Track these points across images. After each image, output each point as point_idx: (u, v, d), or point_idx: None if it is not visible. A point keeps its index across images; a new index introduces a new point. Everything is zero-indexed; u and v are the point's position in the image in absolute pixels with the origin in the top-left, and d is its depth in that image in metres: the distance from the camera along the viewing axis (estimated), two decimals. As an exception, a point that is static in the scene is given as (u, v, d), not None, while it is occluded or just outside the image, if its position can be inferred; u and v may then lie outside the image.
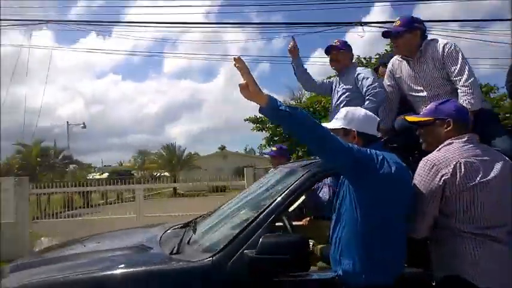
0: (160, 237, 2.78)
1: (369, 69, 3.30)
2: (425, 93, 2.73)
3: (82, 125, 28.63)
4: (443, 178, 1.83)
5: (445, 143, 1.95)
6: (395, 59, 2.95)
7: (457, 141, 1.92)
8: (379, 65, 3.75)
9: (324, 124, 2.23)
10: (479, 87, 2.65)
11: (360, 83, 3.11)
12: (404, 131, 2.51)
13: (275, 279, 2.05)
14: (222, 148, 41.69)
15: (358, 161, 1.75)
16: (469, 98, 2.46)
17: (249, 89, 1.65)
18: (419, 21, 2.77)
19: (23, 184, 7.83)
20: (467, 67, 2.56)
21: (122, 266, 2.14)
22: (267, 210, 2.21)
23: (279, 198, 2.24)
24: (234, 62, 1.67)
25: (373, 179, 1.76)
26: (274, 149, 4.35)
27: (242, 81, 1.67)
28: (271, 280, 2.05)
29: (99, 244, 2.78)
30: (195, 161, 33.83)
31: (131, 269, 2.13)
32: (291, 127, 1.73)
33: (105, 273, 2.10)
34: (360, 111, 2.09)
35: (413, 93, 2.81)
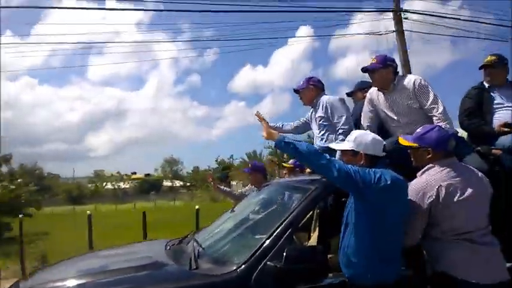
0: (167, 252, 2.75)
1: (335, 99, 3.42)
2: (399, 120, 3.06)
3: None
4: (429, 201, 2.12)
5: (427, 167, 2.24)
6: (374, 90, 3.24)
7: (437, 166, 2.21)
8: (356, 89, 4.06)
9: (336, 145, 2.46)
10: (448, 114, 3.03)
11: (329, 112, 3.33)
12: (393, 153, 2.79)
13: (298, 288, 2.16)
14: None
15: (358, 180, 2.00)
16: (443, 124, 2.81)
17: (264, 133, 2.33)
18: (392, 60, 3.13)
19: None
20: (438, 98, 2.94)
21: (151, 283, 2.11)
22: (285, 223, 2.30)
23: (296, 212, 2.35)
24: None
25: (371, 193, 2.00)
26: (249, 166, 4.46)
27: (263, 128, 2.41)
28: (294, 289, 2.16)
29: (109, 260, 2.66)
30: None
31: (165, 286, 2.11)
32: (299, 157, 2.17)
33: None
34: (368, 135, 2.31)
35: (389, 120, 3.13)
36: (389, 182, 2.02)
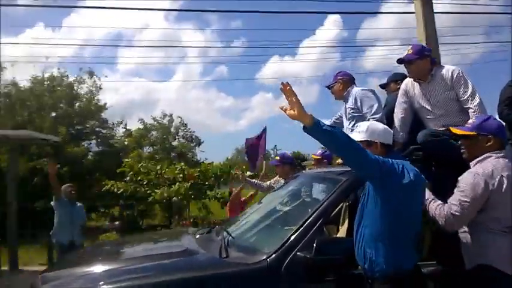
0: (197, 241, 2.78)
1: (365, 90, 3.38)
2: (435, 111, 2.97)
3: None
4: (490, 188, 2.05)
5: (484, 156, 2.16)
6: (409, 80, 3.14)
7: (495, 155, 2.14)
8: (389, 81, 3.97)
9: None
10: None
11: (359, 103, 3.30)
12: (427, 144, 2.71)
13: (328, 279, 2.13)
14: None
15: (384, 171, 1.92)
16: None
17: (295, 111, 1.82)
18: (429, 50, 3.03)
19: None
20: (475, 90, 2.83)
21: (182, 270, 2.14)
22: (315, 214, 2.28)
23: (326, 203, 2.32)
24: (281, 86, 1.85)
25: (395, 185, 1.93)
26: (277, 158, 4.42)
27: (286, 103, 1.85)
28: (324, 279, 2.13)
29: (142, 247, 2.72)
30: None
31: (195, 273, 2.12)
32: (331, 143, 1.91)
33: (172, 277, 2.08)
34: (379, 125, 2.29)
35: (425, 111, 3.04)
36: (411, 175, 1.96)
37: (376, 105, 3.21)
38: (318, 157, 4.31)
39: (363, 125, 2.28)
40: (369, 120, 3.16)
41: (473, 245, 2.15)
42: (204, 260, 2.37)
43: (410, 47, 3.08)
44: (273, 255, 2.17)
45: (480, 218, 2.11)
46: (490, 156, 2.15)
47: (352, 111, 3.35)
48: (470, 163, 2.21)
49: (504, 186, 2.04)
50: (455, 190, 2.14)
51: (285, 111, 1.88)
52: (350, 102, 3.36)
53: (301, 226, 2.25)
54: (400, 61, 3.06)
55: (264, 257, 2.17)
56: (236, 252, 2.35)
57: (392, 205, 1.95)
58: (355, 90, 3.38)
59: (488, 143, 2.18)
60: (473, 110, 2.77)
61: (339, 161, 3.82)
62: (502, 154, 2.15)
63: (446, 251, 2.34)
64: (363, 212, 2.08)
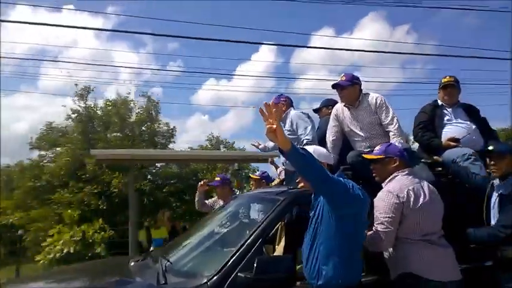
0: (131, 268, 2.65)
1: (300, 113, 3.63)
2: (361, 134, 3.25)
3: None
4: (402, 201, 2.27)
5: (392, 176, 2.43)
6: (339, 106, 3.41)
7: (401, 174, 2.41)
8: (322, 106, 4.23)
9: None
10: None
11: (295, 125, 3.53)
12: (356, 164, 2.93)
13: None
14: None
15: (340, 188, 2.05)
16: (398, 139, 3.04)
17: (277, 135, 1.81)
18: (358, 78, 3.32)
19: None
20: (395, 115, 3.17)
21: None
22: (254, 234, 2.31)
23: (265, 222, 2.36)
24: (264, 107, 1.83)
25: (349, 201, 2.06)
26: (218, 179, 4.42)
27: (268, 123, 1.83)
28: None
29: (73, 278, 2.50)
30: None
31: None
32: (302, 165, 1.97)
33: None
34: (322, 148, 2.49)
35: (353, 134, 3.31)
36: (361, 193, 2.10)
37: (309, 127, 3.44)
38: (257, 177, 4.39)
39: (309, 148, 2.38)
40: (303, 141, 3.34)
41: (395, 255, 2.35)
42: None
43: (342, 74, 3.35)
44: (214, 278, 2.14)
45: (398, 231, 2.31)
46: (397, 175, 2.41)
47: (288, 133, 3.51)
48: (382, 184, 2.45)
49: (412, 199, 2.29)
50: (374, 211, 2.33)
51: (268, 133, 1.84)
52: (287, 125, 3.54)
53: (241, 247, 2.25)
54: (334, 86, 3.31)
55: (205, 281, 2.14)
56: (175, 277, 2.27)
57: (346, 221, 2.05)
58: (292, 113, 3.58)
59: (395, 164, 2.45)
60: (393, 133, 3.09)
61: (276, 181, 3.95)
62: (406, 172, 2.42)
63: (375, 262, 2.52)
64: (316, 231, 2.14)
